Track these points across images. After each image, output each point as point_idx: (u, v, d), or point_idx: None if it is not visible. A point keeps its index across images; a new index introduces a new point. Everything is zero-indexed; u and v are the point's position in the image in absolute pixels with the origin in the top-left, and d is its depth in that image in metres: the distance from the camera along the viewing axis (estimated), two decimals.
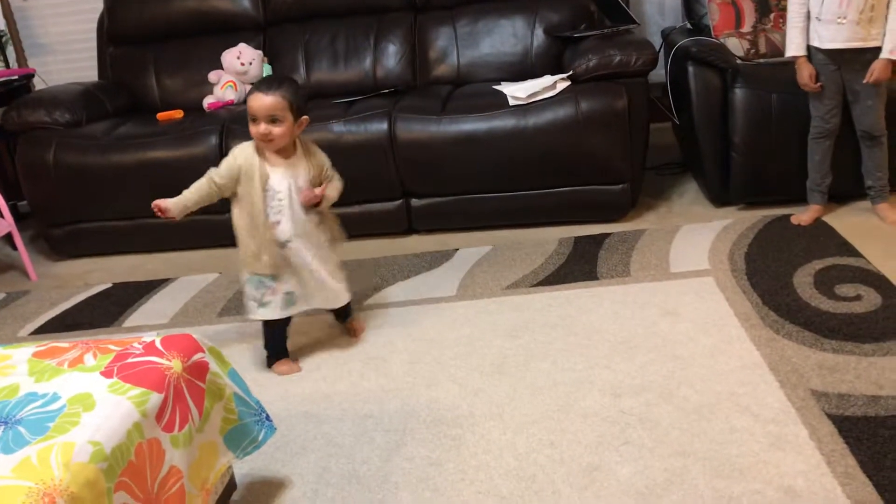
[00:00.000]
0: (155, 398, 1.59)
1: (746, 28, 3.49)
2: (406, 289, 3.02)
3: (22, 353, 1.77)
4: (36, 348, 1.79)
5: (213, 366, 1.78)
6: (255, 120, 2.30)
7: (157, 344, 1.73)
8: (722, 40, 3.46)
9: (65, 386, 1.61)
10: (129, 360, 1.67)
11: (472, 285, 2.98)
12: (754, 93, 3.17)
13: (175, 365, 1.68)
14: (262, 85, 2.32)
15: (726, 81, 3.25)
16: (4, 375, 1.68)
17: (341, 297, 2.57)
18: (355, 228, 3.55)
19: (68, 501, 1.32)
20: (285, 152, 2.39)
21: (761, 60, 3.44)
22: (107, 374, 1.63)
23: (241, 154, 2.37)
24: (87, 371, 1.66)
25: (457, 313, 2.78)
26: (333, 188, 2.49)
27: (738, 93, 3.19)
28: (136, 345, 1.74)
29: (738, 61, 3.35)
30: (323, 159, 2.49)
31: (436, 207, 3.49)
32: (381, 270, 3.20)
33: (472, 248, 3.32)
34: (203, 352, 1.76)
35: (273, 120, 2.29)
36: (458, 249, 3.33)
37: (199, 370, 1.74)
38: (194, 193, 2.38)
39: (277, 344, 2.57)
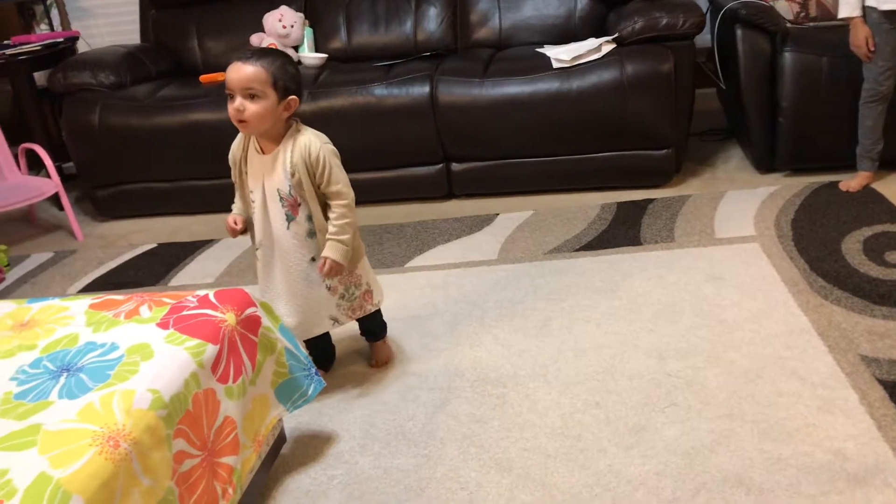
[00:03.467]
0: (210, 349, 1.62)
1: None
2: (447, 252, 3.03)
3: (79, 305, 1.81)
4: (92, 300, 1.83)
5: (265, 320, 1.80)
6: (231, 95, 1.91)
7: (212, 297, 1.76)
8: (771, 3, 3.38)
9: (122, 336, 1.65)
10: (185, 313, 1.70)
11: (514, 249, 2.98)
12: (804, 56, 3.10)
13: (229, 318, 1.70)
14: (243, 54, 1.92)
15: (775, 45, 3.18)
16: (63, 325, 1.72)
17: (317, 327, 2.16)
18: (394, 192, 3.58)
19: (131, 446, 1.36)
20: (272, 141, 1.99)
21: (811, 23, 3.36)
22: (163, 325, 1.67)
23: (235, 140, 2.08)
24: (144, 322, 1.69)
25: (498, 276, 2.78)
26: (340, 238, 1.98)
27: (788, 56, 3.12)
28: (190, 298, 1.77)
29: (788, 24, 3.27)
30: (315, 156, 1.95)
31: (476, 172, 3.48)
32: (422, 234, 3.21)
33: (512, 212, 3.31)
34: (255, 306, 1.79)
35: (251, 96, 1.89)
36: (498, 214, 3.32)
37: (252, 324, 1.76)
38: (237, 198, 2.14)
39: (311, 351, 2.25)
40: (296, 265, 2.07)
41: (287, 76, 1.93)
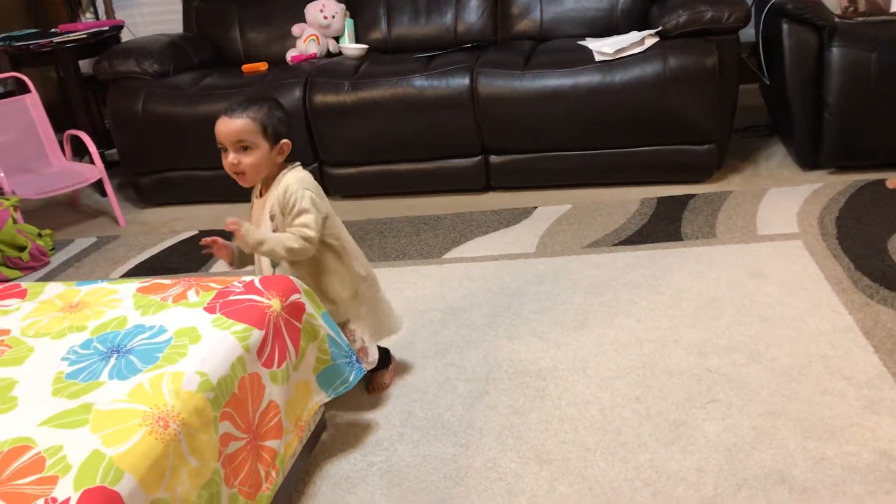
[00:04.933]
0: (256, 334, 1.64)
1: None
2: (484, 244, 3.03)
3: (127, 288, 1.85)
4: (140, 284, 1.86)
5: (309, 307, 1.82)
6: (223, 150, 1.92)
7: (257, 283, 1.78)
8: None
9: (170, 319, 1.67)
10: (231, 298, 1.73)
11: (552, 243, 2.97)
12: (852, 52, 3.05)
13: (274, 304, 1.72)
14: (228, 107, 1.91)
15: (823, 40, 3.13)
16: (112, 308, 1.76)
17: None
18: (432, 184, 3.59)
19: (180, 426, 1.38)
20: (267, 184, 1.99)
21: (860, 18, 3.30)
22: (210, 309, 1.69)
23: None
24: (191, 307, 1.72)
25: (536, 269, 2.78)
26: (265, 236, 1.88)
27: (836, 52, 3.07)
28: (236, 283, 1.79)
29: (836, 19, 3.22)
30: (288, 196, 1.90)
31: (515, 164, 3.47)
32: (460, 226, 3.21)
33: (550, 206, 3.30)
34: (299, 293, 1.81)
35: (244, 148, 1.89)
36: (536, 207, 3.31)
37: (296, 310, 1.78)
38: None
39: None
40: None
41: (275, 121, 1.91)
